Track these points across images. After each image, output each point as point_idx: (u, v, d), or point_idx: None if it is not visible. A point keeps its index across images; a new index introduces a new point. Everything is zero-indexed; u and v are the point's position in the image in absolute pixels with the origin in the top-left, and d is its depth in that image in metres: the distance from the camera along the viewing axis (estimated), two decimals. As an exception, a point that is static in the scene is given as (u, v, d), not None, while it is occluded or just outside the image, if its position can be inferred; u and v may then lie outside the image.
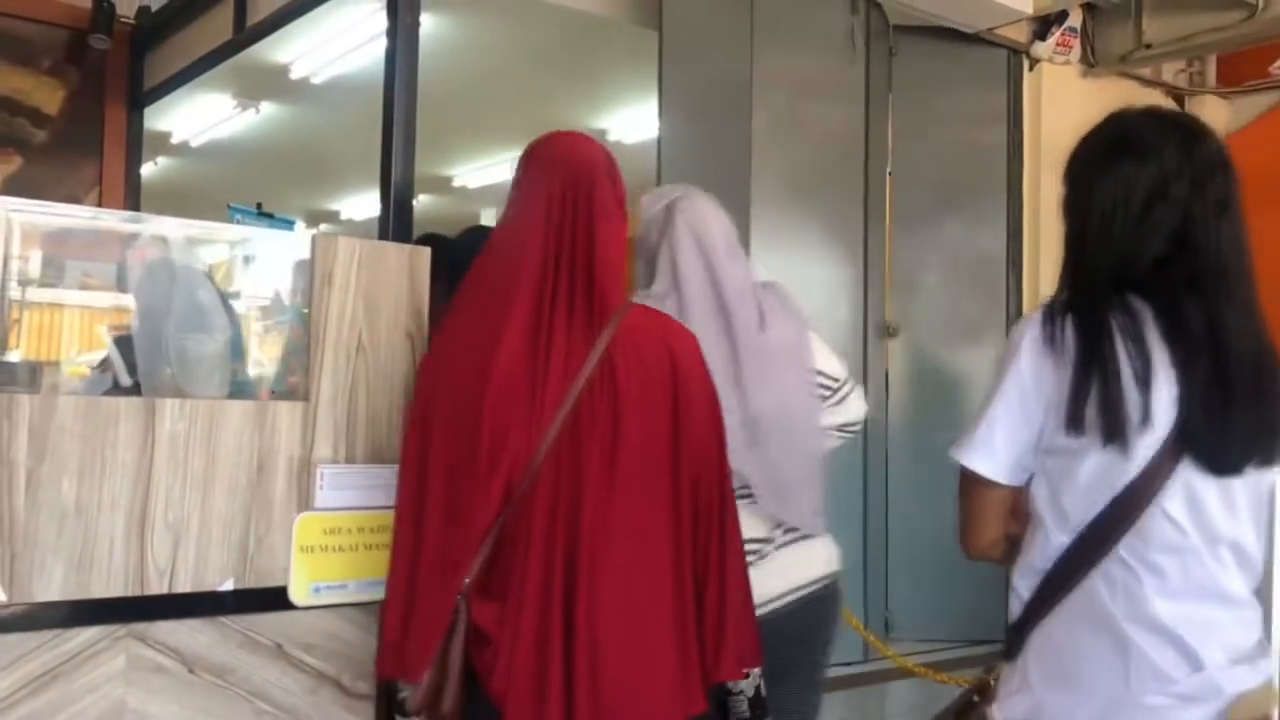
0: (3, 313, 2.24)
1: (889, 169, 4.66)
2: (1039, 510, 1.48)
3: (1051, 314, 1.46)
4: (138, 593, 1.64)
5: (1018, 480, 1.50)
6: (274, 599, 1.76)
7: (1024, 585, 1.49)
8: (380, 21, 2.58)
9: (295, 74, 6.25)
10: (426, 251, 1.94)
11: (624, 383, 1.59)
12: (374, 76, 2.57)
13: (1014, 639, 1.50)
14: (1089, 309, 1.44)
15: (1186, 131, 1.56)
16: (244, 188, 8.30)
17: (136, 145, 4.44)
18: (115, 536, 1.62)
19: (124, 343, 1.91)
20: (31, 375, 2.32)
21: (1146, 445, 1.39)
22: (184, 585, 1.68)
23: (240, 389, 2.02)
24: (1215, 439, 1.40)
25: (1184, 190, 1.47)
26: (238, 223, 2.51)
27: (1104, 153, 1.54)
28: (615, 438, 1.57)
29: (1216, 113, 6.27)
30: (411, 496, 1.62)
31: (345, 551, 1.81)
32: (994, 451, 1.48)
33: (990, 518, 1.52)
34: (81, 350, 2.28)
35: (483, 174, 8.79)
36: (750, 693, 1.78)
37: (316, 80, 6.33)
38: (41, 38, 4.13)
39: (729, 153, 4.42)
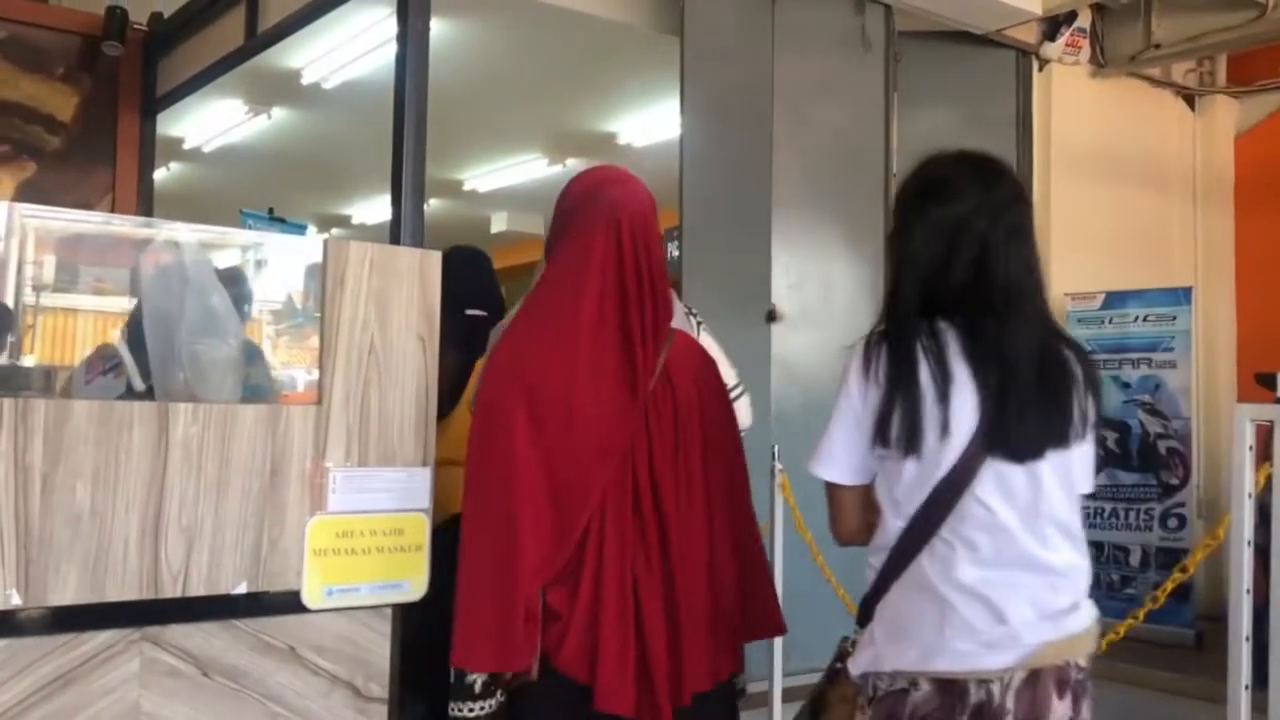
0: (18, 318, 2.26)
1: (894, 172, 4.67)
2: (881, 501, 1.76)
3: (869, 345, 1.73)
4: (152, 596, 1.65)
5: (863, 480, 1.78)
6: (287, 602, 1.76)
7: (875, 561, 1.78)
8: (391, 27, 2.60)
9: (307, 79, 6.27)
10: (437, 255, 1.95)
11: (681, 391, 1.87)
12: (385, 81, 2.58)
13: (865, 609, 1.79)
14: (898, 338, 1.71)
15: (989, 172, 1.77)
16: (256, 193, 8.34)
17: (149, 151, 4.47)
18: (129, 540, 1.63)
19: (137, 347, 1.93)
20: (46, 379, 2.33)
21: (952, 449, 1.66)
22: (198, 589, 1.68)
23: (253, 393, 2.03)
24: (1013, 434, 1.66)
25: (983, 224, 1.70)
26: (250, 228, 2.52)
27: (915, 196, 1.78)
28: (678, 435, 1.84)
29: (1226, 112, 6.25)
30: (514, 487, 1.73)
31: (358, 555, 1.82)
32: (836, 461, 1.77)
33: (848, 512, 1.82)
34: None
35: (494, 178, 8.81)
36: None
37: (328, 85, 6.35)
38: (55, 45, 4.16)
39: (750, 155, 4.43)
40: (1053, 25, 5.27)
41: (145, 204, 4.43)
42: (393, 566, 1.84)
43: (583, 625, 1.72)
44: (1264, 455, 2.57)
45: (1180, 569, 3.27)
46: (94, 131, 4.22)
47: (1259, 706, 2.46)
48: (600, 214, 1.85)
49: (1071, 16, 5.25)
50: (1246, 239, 6.19)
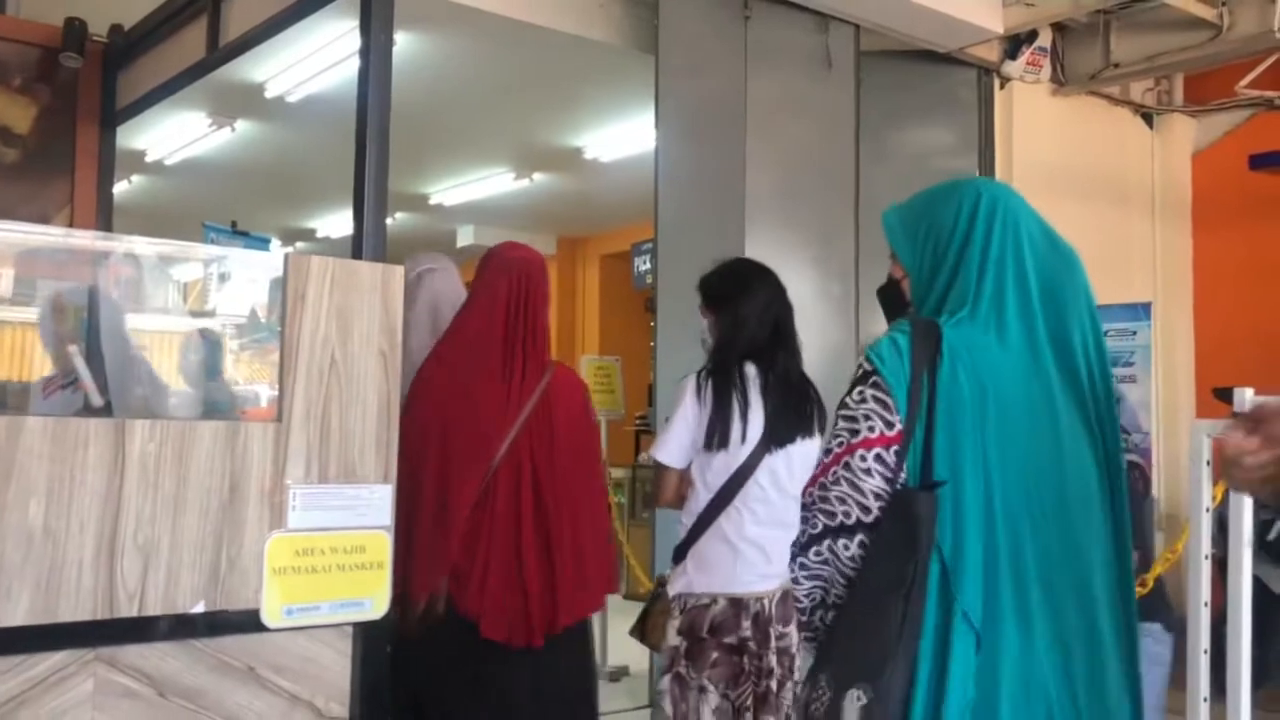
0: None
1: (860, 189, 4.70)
2: (695, 479, 2.76)
3: (699, 377, 2.76)
4: (107, 616, 1.62)
5: (685, 465, 2.77)
6: (246, 621, 1.73)
7: (687, 521, 2.76)
8: (355, 40, 2.58)
9: (270, 92, 6.24)
10: (399, 270, 1.94)
11: (558, 410, 2.63)
12: (349, 95, 2.57)
13: (680, 552, 2.77)
14: (722, 375, 2.74)
15: (770, 274, 2.89)
16: (220, 206, 8.28)
17: (109, 163, 4.41)
18: (84, 560, 1.60)
19: (95, 364, 1.90)
20: (1, 394, 2.29)
21: (746, 448, 2.70)
22: (154, 608, 1.65)
23: (214, 409, 2.00)
24: (781, 433, 2.73)
25: (777, 305, 2.84)
26: (213, 241, 2.50)
27: (736, 286, 2.84)
28: (552, 442, 2.60)
29: (1184, 130, 6.36)
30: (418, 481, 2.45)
31: (318, 573, 1.80)
32: (671, 452, 2.77)
33: (670, 486, 2.81)
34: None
35: (460, 192, 8.80)
36: None
37: (292, 99, 6.32)
38: (12, 56, 4.11)
39: (723, 171, 4.46)
40: (1014, 44, 5.34)
41: (105, 217, 4.37)
42: (354, 584, 1.82)
43: (479, 578, 2.46)
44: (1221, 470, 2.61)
45: (1140, 583, 3.30)
46: (52, 143, 4.15)
47: (1218, 718, 2.48)
48: (503, 265, 2.66)
49: (1032, 35, 5.32)
50: (1204, 255, 6.29)
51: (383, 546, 1.86)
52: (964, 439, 1.57)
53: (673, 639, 2.73)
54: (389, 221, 2.56)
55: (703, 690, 2.67)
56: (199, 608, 1.69)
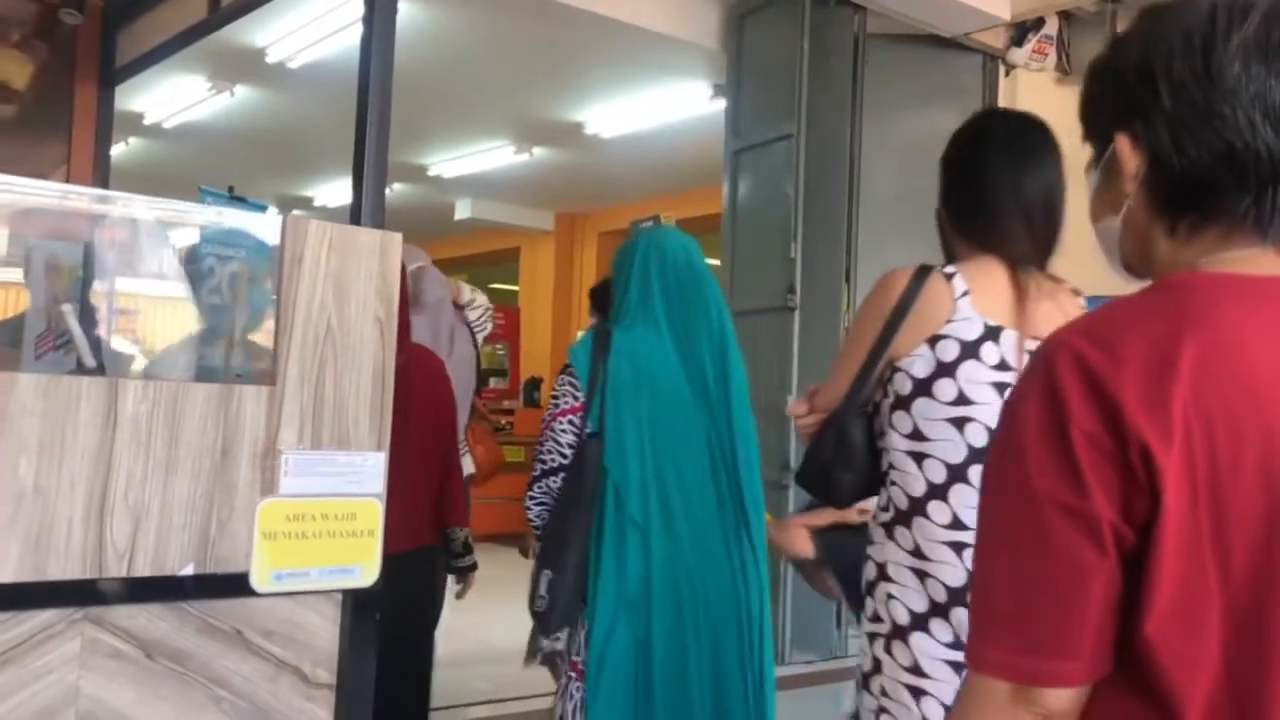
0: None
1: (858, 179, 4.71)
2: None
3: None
4: (96, 576, 1.62)
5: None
6: (235, 585, 1.73)
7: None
8: (358, 7, 2.56)
9: (271, 58, 6.19)
10: (398, 237, 1.93)
11: (417, 375, 2.80)
12: (351, 63, 2.54)
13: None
14: None
15: None
16: (217, 171, 8.23)
17: (106, 124, 4.38)
18: (74, 518, 1.60)
19: (87, 324, 1.88)
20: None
21: None
22: (143, 569, 1.65)
23: (208, 373, 1.99)
24: None
25: None
26: (209, 205, 2.47)
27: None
28: (410, 400, 2.52)
29: (1188, 124, 6.33)
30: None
31: (309, 539, 1.79)
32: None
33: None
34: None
35: (459, 164, 8.75)
36: (461, 538, 3.15)
37: (293, 65, 6.27)
38: (10, 11, 4.07)
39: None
40: (1020, 31, 5.31)
41: (101, 178, 4.34)
42: (344, 551, 1.82)
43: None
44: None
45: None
46: (49, 101, 4.12)
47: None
48: None
49: (1039, 23, 5.29)
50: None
51: (374, 514, 1.85)
52: (624, 405, 2.38)
53: None
54: (386, 192, 2.55)
55: None
56: (188, 570, 1.69)
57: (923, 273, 1.76)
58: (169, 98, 7.07)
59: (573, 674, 2.36)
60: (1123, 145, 0.99)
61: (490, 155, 8.45)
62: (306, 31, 5.75)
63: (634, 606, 2.30)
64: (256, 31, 5.74)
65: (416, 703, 3.16)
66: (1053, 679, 0.86)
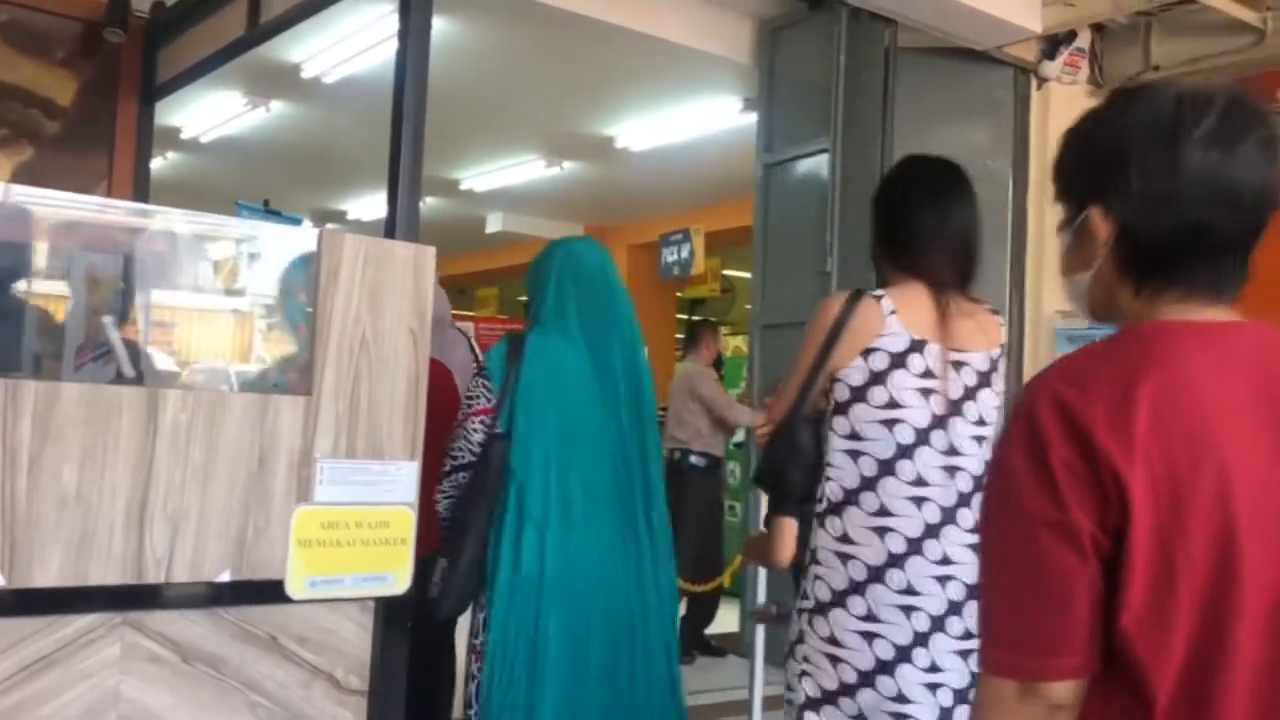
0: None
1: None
2: None
3: None
4: (135, 581, 1.65)
5: None
6: (270, 592, 1.76)
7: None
8: (393, 23, 2.60)
9: (307, 73, 6.28)
10: (431, 250, 1.96)
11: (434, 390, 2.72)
12: (385, 78, 2.58)
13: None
14: None
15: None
16: (252, 185, 8.32)
17: (147, 139, 4.45)
18: (115, 525, 1.63)
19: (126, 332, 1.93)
20: (37, 362, 2.33)
21: None
22: (181, 575, 1.69)
23: (245, 383, 2.03)
24: None
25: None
26: (245, 219, 2.52)
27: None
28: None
29: (1223, 137, 6.27)
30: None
31: (343, 546, 1.82)
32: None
33: None
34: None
35: (491, 178, 8.82)
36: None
37: (328, 80, 6.35)
38: (55, 30, 4.15)
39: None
40: (1052, 44, 5.29)
41: (141, 192, 4.41)
42: (377, 559, 1.85)
43: None
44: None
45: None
46: (92, 118, 4.19)
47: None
48: None
49: (1071, 36, 5.27)
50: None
51: (406, 523, 1.88)
52: (534, 407, 2.45)
53: None
54: (420, 206, 2.58)
55: None
56: (225, 576, 1.72)
57: (856, 296, 2.01)
58: (207, 113, 7.18)
59: (473, 655, 2.47)
60: (1095, 216, 1.11)
61: (521, 169, 8.51)
62: (342, 47, 5.83)
63: (527, 594, 2.40)
64: (292, 47, 5.82)
65: (446, 693, 3.39)
66: (1053, 673, 0.98)
